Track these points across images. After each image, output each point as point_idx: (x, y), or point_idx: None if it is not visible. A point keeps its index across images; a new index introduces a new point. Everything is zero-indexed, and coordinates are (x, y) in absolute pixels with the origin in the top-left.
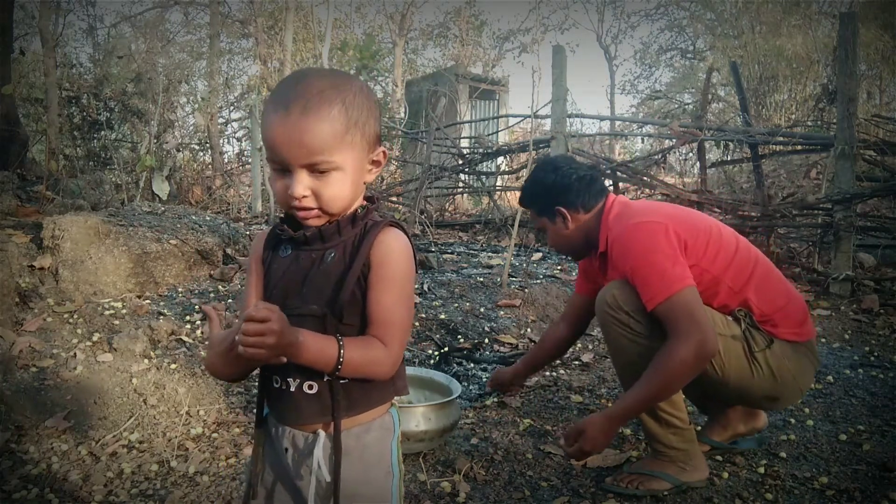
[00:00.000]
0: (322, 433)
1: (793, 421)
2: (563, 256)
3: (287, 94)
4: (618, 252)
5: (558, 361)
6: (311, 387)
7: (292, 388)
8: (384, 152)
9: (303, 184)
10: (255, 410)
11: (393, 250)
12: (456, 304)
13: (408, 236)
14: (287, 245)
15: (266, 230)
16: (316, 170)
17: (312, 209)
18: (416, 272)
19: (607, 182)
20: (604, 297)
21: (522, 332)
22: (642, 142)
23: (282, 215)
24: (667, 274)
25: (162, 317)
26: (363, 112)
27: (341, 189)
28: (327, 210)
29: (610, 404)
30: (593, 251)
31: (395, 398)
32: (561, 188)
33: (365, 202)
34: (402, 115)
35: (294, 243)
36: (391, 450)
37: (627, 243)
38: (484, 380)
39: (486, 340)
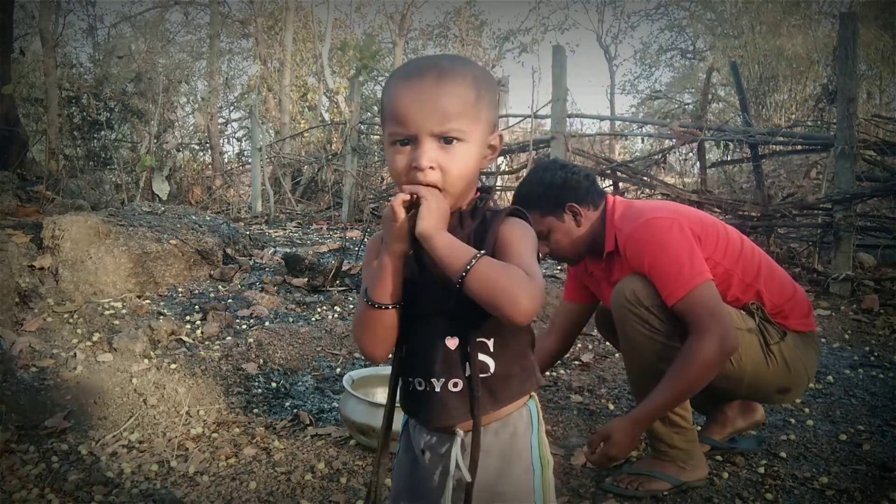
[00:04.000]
0: (460, 432)
1: (793, 421)
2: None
3: (419, 64)
4: (633, 250)
5: (558, 361)
6: (455, 384)
7: (437, 389)
8: (500, 136)
9: (429, 154)
10: (255, 410)
11: (516, 231)
12: None
13: (530, 224)
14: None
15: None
16: (445, 139)
17: (436, 187)
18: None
19: (607, 182)
20: (622, 291)
21: None
22: (642, 142)
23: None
24: (685, 269)
25: (162, 317)
26: (488, 88)
27: (467, 164)
28: (451, 189)
29: (610, 405)
30: (595, 254)
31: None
32: (573, 185)
33: (479, 193)
34: None
35: (414, 239)
36: (531, 445)
37: (642, 240)
38: None
39: None
